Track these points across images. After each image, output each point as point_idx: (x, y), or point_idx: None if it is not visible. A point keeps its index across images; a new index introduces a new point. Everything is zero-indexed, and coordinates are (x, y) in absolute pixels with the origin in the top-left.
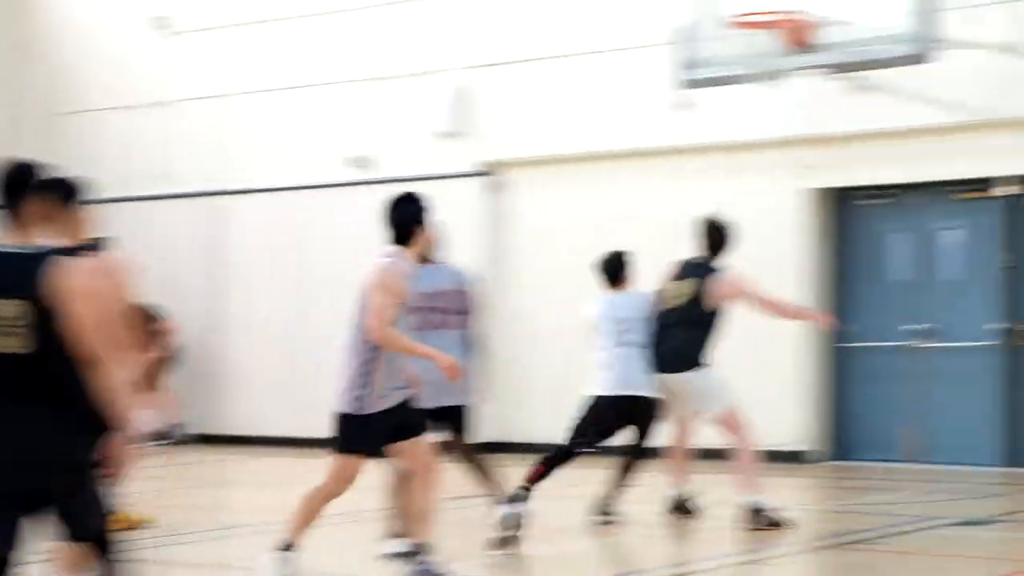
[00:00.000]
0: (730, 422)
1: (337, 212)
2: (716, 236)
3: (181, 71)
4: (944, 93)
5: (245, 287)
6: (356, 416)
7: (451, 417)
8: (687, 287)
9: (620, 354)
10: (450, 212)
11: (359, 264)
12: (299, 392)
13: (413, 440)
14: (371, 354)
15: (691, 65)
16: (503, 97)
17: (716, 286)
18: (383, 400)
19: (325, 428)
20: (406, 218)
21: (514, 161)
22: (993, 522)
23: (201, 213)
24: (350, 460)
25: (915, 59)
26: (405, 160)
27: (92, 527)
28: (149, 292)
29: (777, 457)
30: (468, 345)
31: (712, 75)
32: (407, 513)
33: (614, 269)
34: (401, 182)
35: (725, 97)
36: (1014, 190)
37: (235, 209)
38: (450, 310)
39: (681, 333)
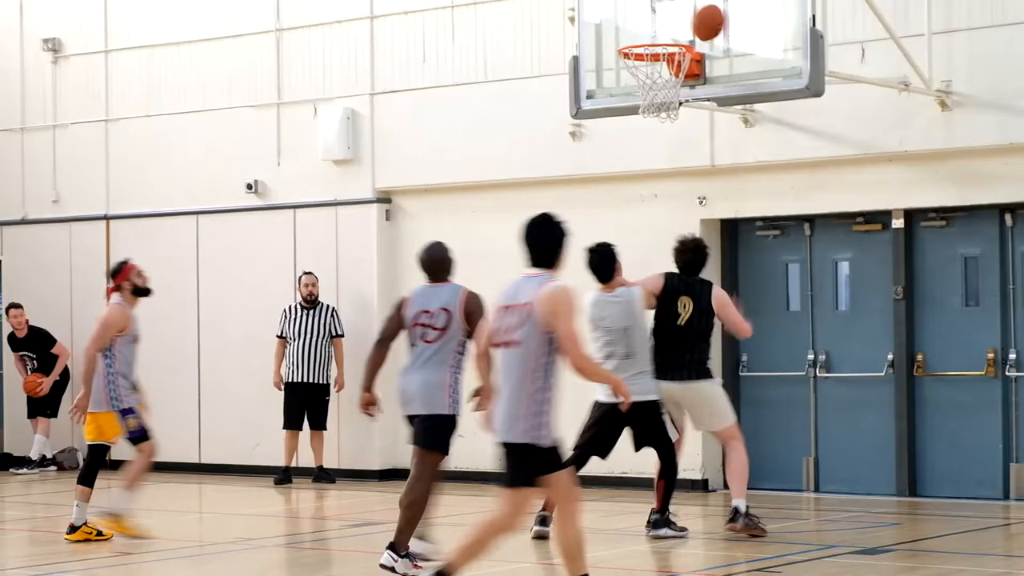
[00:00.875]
0: (735, 433)
1: (231, 237)
2: (702, 254)
3: (71, 94)
4: (836, 127)
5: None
6: (536, 447)
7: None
8: (693, 301)
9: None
10: (345, 238)
11: (252, 289)
12: (190, 418)
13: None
14: (547, 381)
15: (585, 95)
16: (398, 125)
17: (717, 300)
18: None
19: (217, 452)
20: (553, 240)
21: (408, 188)
22: (889, 551)
23: (90, 236)
24: (526, 492)
25: (805, 93)
26: (299, 186)
27: None
28: (41, 315)
29: (680, 486)
30: None
31: (606, 105)
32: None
33: (602, 264)
34: (295, 208)
35: (619, 127)
36: (902, 223)
37: (125, 232)
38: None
39: (694, 344)
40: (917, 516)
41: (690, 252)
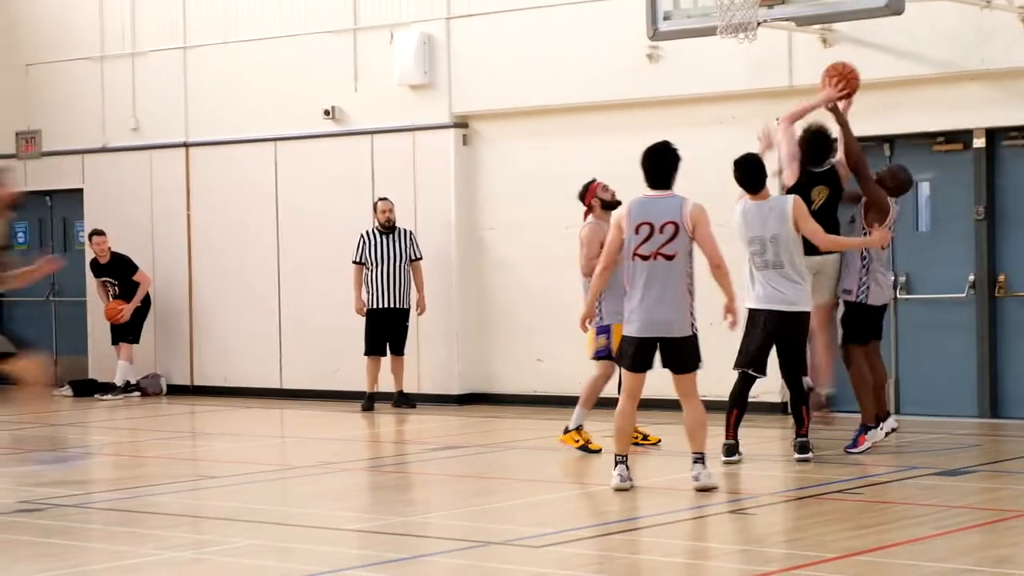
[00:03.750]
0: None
1: (308, 164)
2: (827, 144)
3: (149, 22)
4: (915, 45)
5: (216, 239)
6: (697, 337)
7: None
8: (824, 192)
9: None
10: (423, 164)
11: (330, 215)
12: (271, 344)
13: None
14: (693, 283)
15: (662, 17)
16: (473, 49)
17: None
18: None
19: (299, 377)
20: (672, 164)
21: (485, 113)
22: (972, 472)
23: (170, 164)
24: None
25: (884, 11)
26: (376, 112)
27: None
28: (122, 243)
29: (753, 408)
30: None
31: (683, 27)
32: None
33: (750, 175)
34: (372, 133)
35: (696, 49)
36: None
37: (204, 159)
38: None
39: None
40: (998, 437)
41: (815, 143)
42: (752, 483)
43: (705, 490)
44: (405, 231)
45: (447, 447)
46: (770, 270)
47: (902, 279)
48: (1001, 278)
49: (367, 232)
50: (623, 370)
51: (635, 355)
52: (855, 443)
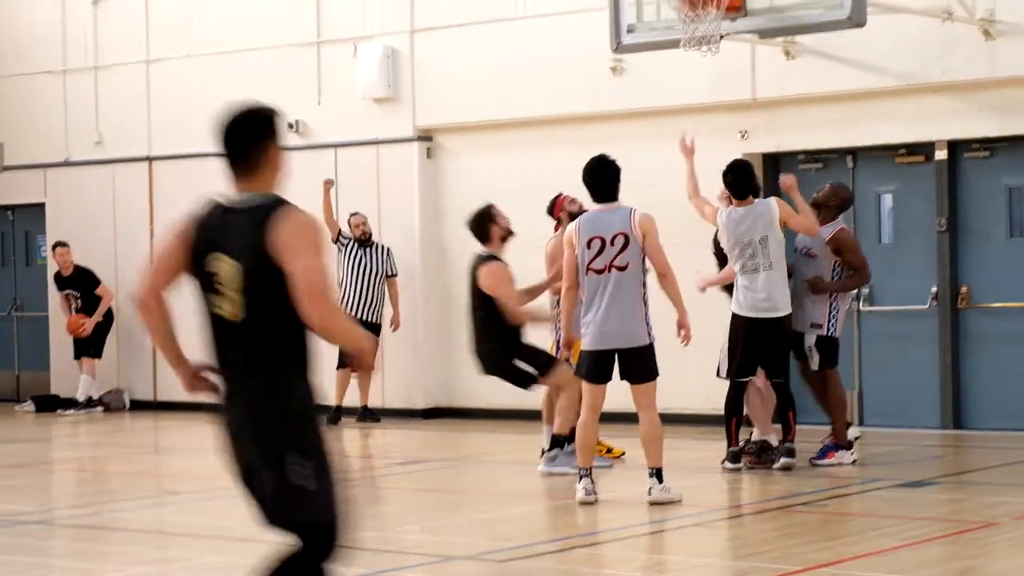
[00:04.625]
0: None
1: None
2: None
3: (112, 35)
4: (878, 57)
5: None
6: (653, 346)
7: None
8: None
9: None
10: (387, 177)
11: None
12: None
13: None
14: (646, 292)
15: (626, 29)
16: (437, 63)
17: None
18: None
19: None
20: (614, 177)
21: (449, 126)
22: (935, 483)
23: (134, 177)
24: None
25: (847, 24)
26: (339, 125)
27: None
28: (85, 257)
29: (716, 420)
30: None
31: (646, 39)
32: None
33: (741, 179)
34: (336, 147)
35: (660, 61)
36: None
37: (168, 173)
38: None
39: None
40: (961, 448)
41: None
42: (716, 495)
43: (660, 504)
44: (383, 247)
45: (411, 461)
46: (759, 273)
47: (865, 291)
48: (963, 290)
49: (344, 239)
50: (583, 383)
51: (593, 367)
52: (823, 455)
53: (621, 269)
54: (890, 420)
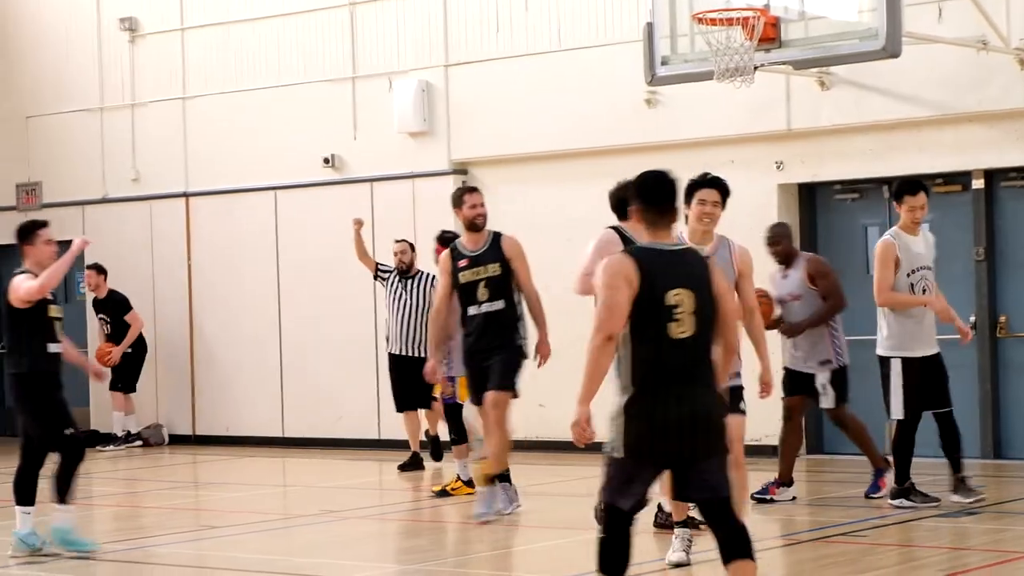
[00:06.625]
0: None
1: (308, 212)
2: None
3: (148, 72)
4: (912, 88)
5: (217, 288)
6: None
7: None
8: None
9: None
10: (423, 211)
11: (330, 263)
12: (273, 393)
13: None
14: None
15: (660, 62)
16: (472, 96)
17: None
18: None
19: (301, 426)
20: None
21: (484, 159)
22: (975, 513)
23: (171, 214)
24: None
25: (881, 54)
26: (375, 160)
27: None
28: (124, 293)
29: (756, 452)
30: None
31: (680, 71)
32: None
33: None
34: (372, 181)
35: (694, 93)
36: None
37: (204, 209)
38: None
39: None
40: (1001, 478)
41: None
42: (755, 526)
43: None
44: (427, 275)
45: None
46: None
47: None
48: (1002, 319)
49: (384, 272)
50: None
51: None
52: (876, 487)
53: None
54: (930, 450)
